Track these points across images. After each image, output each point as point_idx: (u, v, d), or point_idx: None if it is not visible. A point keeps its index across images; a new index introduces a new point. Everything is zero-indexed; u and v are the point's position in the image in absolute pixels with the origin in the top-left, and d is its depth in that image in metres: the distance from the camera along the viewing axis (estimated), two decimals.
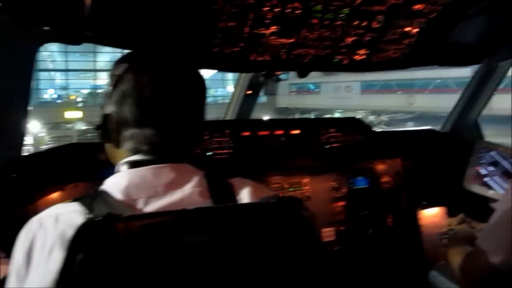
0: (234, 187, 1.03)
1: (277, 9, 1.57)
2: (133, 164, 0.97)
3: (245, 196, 1.02)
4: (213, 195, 0.98)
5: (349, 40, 1.83)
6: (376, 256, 2.27)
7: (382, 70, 2.12)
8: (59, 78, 27.26)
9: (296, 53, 1.85)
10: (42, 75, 26.59)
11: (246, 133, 2.09)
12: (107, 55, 27.39)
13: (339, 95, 23.65)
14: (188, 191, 0.95)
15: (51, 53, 26.29)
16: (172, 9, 1.44)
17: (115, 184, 0.94)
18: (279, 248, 0.86)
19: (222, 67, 1.87)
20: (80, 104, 25.33)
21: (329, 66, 2.00)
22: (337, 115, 21.45)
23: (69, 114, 22.27)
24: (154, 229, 0.81)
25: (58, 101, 26.31)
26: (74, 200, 0.96)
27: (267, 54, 1.83)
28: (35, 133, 22.50)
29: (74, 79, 27.16)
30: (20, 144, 1.70)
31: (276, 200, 0.93)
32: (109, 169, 1.91)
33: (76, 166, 1.88)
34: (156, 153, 0.98)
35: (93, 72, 28.22)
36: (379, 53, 1.95)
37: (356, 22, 1.73)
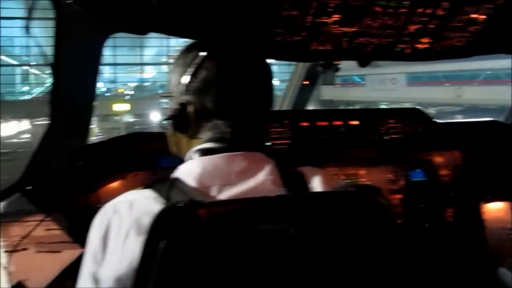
0: (305, 176, 1.03)
1: None
2: (206, 152, 0.98)
3: (317, 185, 1.01)
4: (286, 183, 0.97)
5: (413, 28, 1.77)
6: (435, 250, 2.21)
7: (445, 59, 2.03)
8: (107, 72, 28.01)
9: (358, 42, 1.80)
10: None
11: (305, 124, 2.07)
12: (153, 49, 27.93)
13: (384, 87, 23.08)
14: (261, 179, 0.95)
15: None
16: None
17: (188, 172, 0.95)
18: (358, 237, 0.85)
19: (283, 57, 1.86)
20: (127, 97, 25.99)
21: (390, 55, 1.94)
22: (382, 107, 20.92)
23: (117, 107, 22.85)
24: (236, 215, 0.80)
25: (107, 94, 27.05)
26: (146, 187, 0.98)
27: (329, 43, 1.80)
28: None
29: (122, 73, 27.84)
30: (86, 133, 1.76)
31: (355, 188, 0.91)
32: (167, 159, 1.96)
33: (137, 156, 1.91)
34: (229, 141, 0.98)
35: (140, 66, 28.88)
36: (443, 41, 1.87)
37: (420, 10, 1.67)
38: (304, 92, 2.40)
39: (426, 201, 2.27)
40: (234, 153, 0.97)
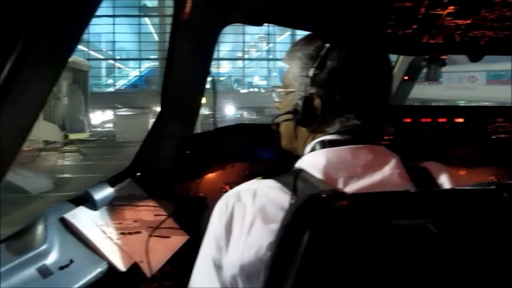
0: (431, 171, 0.98)
1: None
2: (330, 144, 0.95)
3: (445, 181, 0.97)
4: (413, 178, 0.93)
5: None
6: None
7: None
8: None
9: (472, 35, 1.66)
10: None
11: (408, 120, 1.96)
12: (228, 45, 28.39)
13: (462, 85, 21.90)
14: (387, 173, 0.91)
15: None
16: None
17: (313, 163, 0.93)
18: (498, 236, 0.80)
19: (392, 50, 1.76)
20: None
21: (505, 49, 1.78)
22: None
23: None
24: (378, 209, 0.78)
25: None
26: (264, 177, 0.98)
27: (440, 36, 1.68)
28: None
29: None
30: (194, 123, 1.77)
31: (496, 186, 0.84)
32: (265, 151, 1.93)
33: (238, 146, 1.91)
34: (353, 133, 0.95)
35: (216, 61, 29.53)
36: None
37: None
38: (403, 88, 2.28)
39: None
40: (358, 145, 0.94)
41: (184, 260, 1.49)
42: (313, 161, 0.94)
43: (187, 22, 1.44)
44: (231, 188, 1.89)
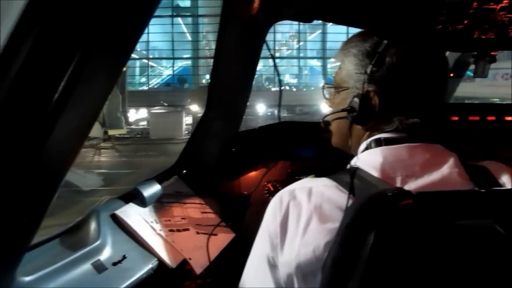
0: (491, 170, 0.94)
1: None
2: (386, 142, 0.92)
3: (506, 181, 0.93)
4: (472, 177, 0.89)
5: None
6: None
7: None
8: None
9: None
10: (201, 62, 28.72)
11: (455, 118, 1.88)
12: None
13: (496, 83, 21.21)
14: (446, 172, 0.87)
15: (207, 42, 28.21)
16: None
17: (369, 161, 0.90)
18: None
19: (442, 46, 1.69)
20: None
21: None
22: None
23: None
24: (445, 208, 0.75)
25: None
26: (316, 176, 0.97)
27: (492, 31, 1.60)
28: (194, 113, 24.47)
29: None
30: (239, 121, 1.75)
31: None
32: (308, 149, 1.89)
33: (280, 145, 1.89)
34: (410, 131, 0.92)
35: None
36: None
37: None
38: (449, 85, 2.19)
39: None
40: (415, 144, 0.90)
41: (227, 258, 1.49)
42: (369, 159, 0.91)
43: (236, 19, 1.42)
44: (273, 186, 1.89)
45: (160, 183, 1.55)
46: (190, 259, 1.36)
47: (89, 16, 0.63)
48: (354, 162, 0.94)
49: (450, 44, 1.71)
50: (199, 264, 1.37)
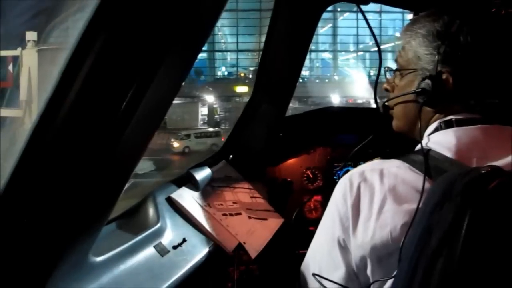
0: None
1: None
2: (457, 123, 0.87)
3: None
4: None
5: None
6: None
7: None
8: (230, 57, 29.07)
9: None
10: (217, 55, 28.65)
11: None
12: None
13: None
14: None
15: (223, 35, 28.10)
16: None
17: (442, 142, 0.85)
18: None
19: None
20: (247, 81, 26.72)
21: None
22: None
23: (239, 89, 23.63)
24: None
25: (230, 77, 28.09)
26: (382, 157, 0.93)
27: None
28: (210, 104, 24.51)
29: (242, 58, 28.68)
30: (286, 106, 1.69)
31: None
32: (349, 136, 1.82)
33: (323, 131, 1.82)
34: (483, 113, 0.87)
35: (259, 52, 29.44)
36: None
37: None
38: None
39: None
40: (488, 125, 0.85)
41: (269, 244, 1.43)
42: (442, 140, 0.86)
43: (290, 1, 1.35)
44: (312, 173, 1.82)
45: (209, 167, 1.50)
46: (244, 243, 1.31)
47: (165, 18, 0.61)
48: (425, 143, 0.88)
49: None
50: (254, 249, 1.32)
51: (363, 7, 1.25)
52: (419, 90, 0.90)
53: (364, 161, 0.98)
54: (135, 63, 0.61)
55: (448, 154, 0.82)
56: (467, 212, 0.66)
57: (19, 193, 0.62)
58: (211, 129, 18.73)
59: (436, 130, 0.89)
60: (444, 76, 0.87)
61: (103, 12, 0.58)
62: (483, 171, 0.69)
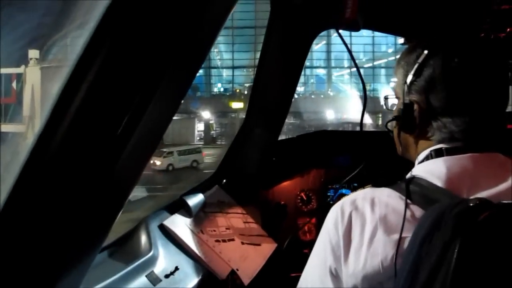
0: None
1: None
2: (447, 152, 0.86)
3: None
4: None
5: None
6: None
7: None
8: (225, 73, 29.23)
9: None
10: (213, 71, 28.78)
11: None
12: None
13: None
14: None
15: (219, 52, 28.28)
16: None
17: (433, 171, 0.84)
18: None
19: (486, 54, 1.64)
20: (242, 97, 26.82)
21: None
22: None
23: (234, 105, 23.69)
24: None
25: (225, 93, 28.17)
26: (374, 185, 0.92)
27: None
28: (206, 120, 24.54)
29: (238, 75, 28.84)
30: (279, 130, 1.69)
31: None
32: (343, 158, 1.82)
33: (317, 153, 1.82)
34: (467, 141, 0.86)
35: (253, 68, 29.61)
36: None
37: None
38: None
39: None
40: (478, 154, 0.85)
41: (265, 268, 1.42)
42: (432, 169, 0.85)
43: (282, 28, 1.37)
44: (306, 195, 1.82)
45: (202, 192, 1.49)
46: (237, 270, 1.30)
47: (165, 38, 0.61)
48: (415, 172, 0.88)
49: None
50: (246, 275, 1.31)
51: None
52: (393, 117, 0.96)
53: (358, 183, 0.97)
54: (134, 82, 0.60)
55: (438, 183, 0.82)
56: (457, 244, 0.66)
57: (16, 214, 0.61)
58: (192, 147, 18.42)
59: (426, 158, 0.89)
60: (414, 105, 0.89)
61: (103, 31, 0.58)
62: (471, 204, 0.69)
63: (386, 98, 1.09)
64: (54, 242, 0.62)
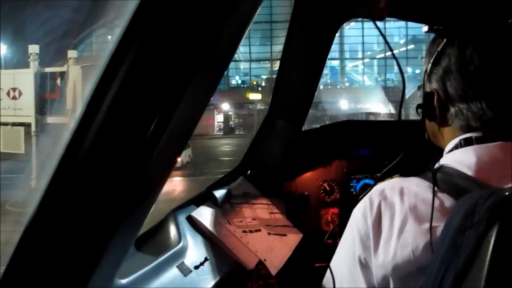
0: None
1: None
2: (478, 140, 0.83)
3: None
4: None
5: None
6: None
7: None
8: (243, 66, 29.22)
9: None
10: (231, 64, 28.74)
11: None
12: (280, 46, 28.30)
13: None
14: None
15: None
16: None
17: (462, 160, 0.81)
18: None
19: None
20: (259, 88, 26.73)
21: None
22: None
23: (252, 96, 23.66)
24: None
25: (243, 85, 28.17)
26: (401, 175, 0.90)
27: None
28: (225, 111, 24.59)
29: (255, 67, 28.75)
30: (303, 120, 1.65)
31: None
32: (366, 148, 1.77)
33: (340, 144, 1.78)
34: (491, 129, 0.83)
35: (270, 60, 29.45)
36: None
37: None
38: None
39: None
40: (508, 142, 0.82)
41: (290, 258, 1.39)
42: (462, 158, 0.82)
43: (306, 17, 1.32)
44: (329, 186, 1.78)
45: (227, 184, 1.47)
46: (265, 260, 1.27)
47: (196, 33, 0.59)
48: (444, 161, 0.86)
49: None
50: (274, 265, 1.28)
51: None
52: (418, 104, 0.93)
53: (380, 173, 0.94)
54: (163, 82, 0.59)
55: (469, 172, 0.79)
56: (493, 234, 0.63)
57: (56, 204, 0.61)
58: None
59: (456, 147, 0.86)
60: (434, 93, 0.88)
61: (133, 32, 0.57)
62: (507, 193, 0.66)
63: (419, 87, 1.06)
64: (91, 235, 0.62)
